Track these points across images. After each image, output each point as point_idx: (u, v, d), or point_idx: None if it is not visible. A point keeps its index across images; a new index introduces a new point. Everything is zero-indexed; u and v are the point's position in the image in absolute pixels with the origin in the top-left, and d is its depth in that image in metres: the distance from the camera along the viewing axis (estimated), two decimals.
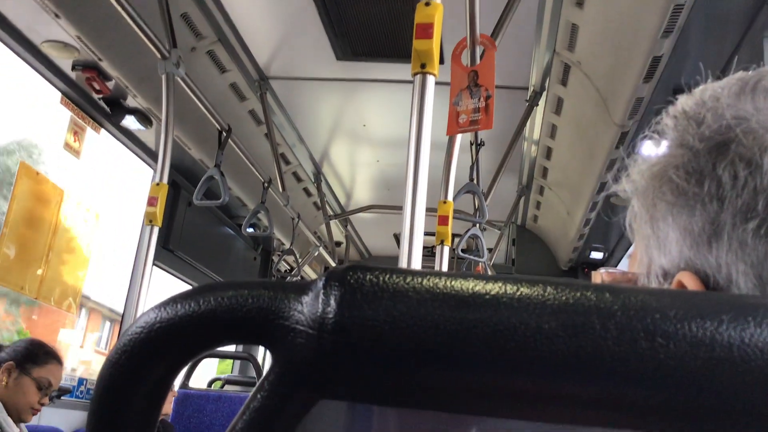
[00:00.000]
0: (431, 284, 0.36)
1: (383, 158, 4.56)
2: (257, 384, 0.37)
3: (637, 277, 0.58)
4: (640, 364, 0.33)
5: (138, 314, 2.42)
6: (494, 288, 0.36)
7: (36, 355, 2.39)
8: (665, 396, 0.33)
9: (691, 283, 0.51)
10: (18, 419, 2.33)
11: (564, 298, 0.35)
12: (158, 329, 0.37)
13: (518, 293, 0.36)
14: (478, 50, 2.17)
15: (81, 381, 3.61)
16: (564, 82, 3.11)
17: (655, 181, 0.56)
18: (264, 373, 0.38)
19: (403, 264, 1.42)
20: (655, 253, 0.56)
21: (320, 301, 0.36)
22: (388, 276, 0.37)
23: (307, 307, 0.36)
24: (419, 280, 0.37)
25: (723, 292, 0.48)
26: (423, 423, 0.39)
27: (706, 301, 0.35)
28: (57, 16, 2.46)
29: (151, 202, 2.36)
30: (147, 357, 0.38)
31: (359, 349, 0.35)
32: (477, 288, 0.36)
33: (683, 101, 0.58)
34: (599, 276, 0.65)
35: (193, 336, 0.38)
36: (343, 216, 5.56)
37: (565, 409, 0.34)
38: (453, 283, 0.37)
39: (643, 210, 0.57)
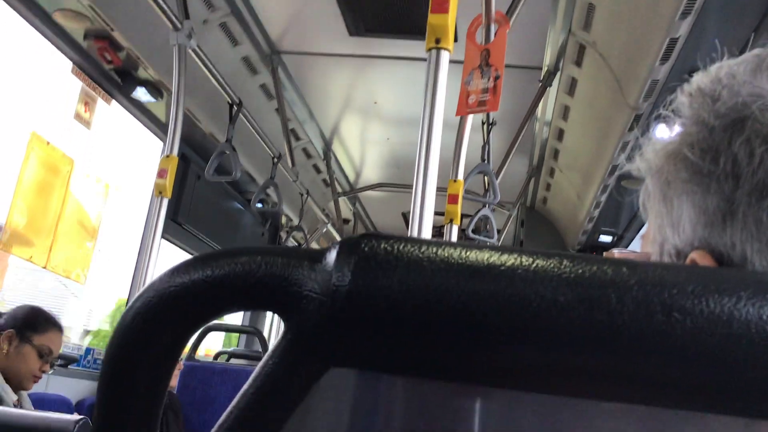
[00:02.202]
0: (446, 254, 0.36)
1: (394, 136, 4.55)
2: (269, 350, 0.37)
3: (650, 256, 0.58)
4: (656, 339, 0.32)
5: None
6: (509, 259, 0.36)
7: (36, 322, 2.39)
8: (680, 372, 0.32)
9: (704, 262, 0.50)
10: (18, 387, 2.35)
11: (580, 271, 0.35)
12: (171, 293, 0.37)
13: (534, 265, 0.35)
14: (493, 28, 2.15)
15: (88, 350, 3.65)
16: (578, 63, 3.08)
17: (669, 159, 0.55)
18: (272, 344, 0.38)
19: None
20: (668, 231, 0.55)
21: (334, 268, 0.36)
22: (402, 245, 0.36)
23: (320, 275, 0.36)
24: (434, 249, 0.36)
25: (741, 269, 0.48)
26: (432, 393, 0.39)
27: (725, 277, 0.34)
28: None
29: (161, 174, 2.36)
30: (160, 321, 0.38)
31: (372, 317, 0.35)
32: (492, 259, 0.36)
33: (698, 79, 0.57)
34: (612, 256, 0.64)
35: (206, 301, 0.37)
36: (352, 193, 5.55)
37: (578, 382, 0.34)
38: (468, 253, 0.36)
39: (656, 189, 0.57)
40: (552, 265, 0.35)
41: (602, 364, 0.33)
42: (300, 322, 0.36)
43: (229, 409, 0.37)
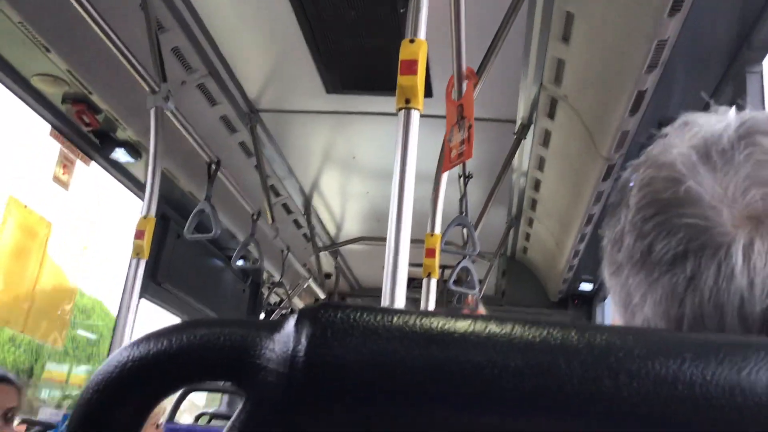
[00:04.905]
0: (401, 322, 0.37)
1: (373, 190, 4.57)
2: (229, 422, 0.37)
3: None
4: (604, 402, 0.33)
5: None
6: (463, 326, 0.36)
7: None
8: None
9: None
10: None
11: (531, 336, 0.36)
12: (130, 368, 0.37)
13: (486, 331, 0.36)
14: (464, 85, 2.20)
15: (66, 417, 3.56)
16: (551, 116, 3.14)
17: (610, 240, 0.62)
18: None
19: (386, 296, 1.41)
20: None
21: (291, 339, 0.36)
22: (358, 314, 0.37)
23: (278, 345, 0.36)
24: (389, 318, 0.37)
25: (684, 332, 0.49)
26: None
27: (670, 339, 0.35)
28: (47, 50, 2.47)
29: (139, 235, 2.35)
30: (119, 395, 0.38)
31: (329, 386, 0.35)
32: (446, 326, 0.36)
33: (647, 152, 0.60)
34: None
35: (166, 374, 0.38)
36: (333, 248, 5.55)
37: None
38: (422, 321, 0.37)
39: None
40: (503, 331, 0.36)
41: (553, 427, 0.34)
42: (259, 393, 0.36)
43: None
